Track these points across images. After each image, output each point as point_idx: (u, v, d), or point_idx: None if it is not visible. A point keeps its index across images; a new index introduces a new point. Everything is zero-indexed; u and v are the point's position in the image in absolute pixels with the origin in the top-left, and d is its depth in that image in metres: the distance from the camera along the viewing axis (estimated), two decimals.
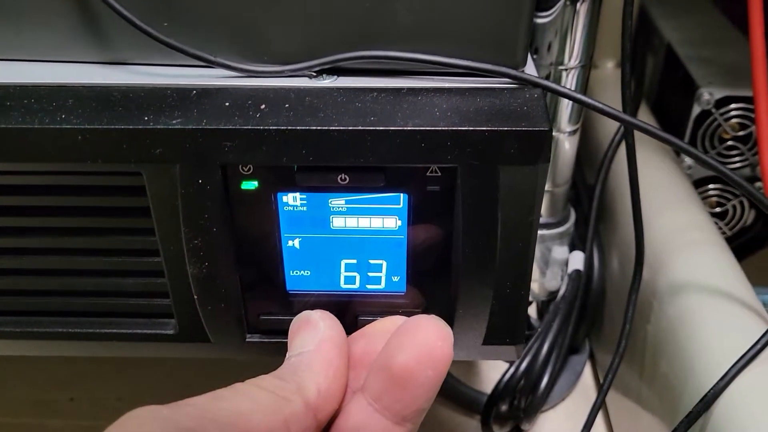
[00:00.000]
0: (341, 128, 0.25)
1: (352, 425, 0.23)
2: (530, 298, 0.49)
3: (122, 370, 0.49)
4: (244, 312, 0.30)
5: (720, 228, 0.50)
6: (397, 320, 0.25)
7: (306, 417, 0.22)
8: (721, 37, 0.54)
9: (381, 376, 0.23)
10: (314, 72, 0.28)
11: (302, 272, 0.29)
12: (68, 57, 0.29)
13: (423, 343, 0.23)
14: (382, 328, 0.26)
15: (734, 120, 0.47)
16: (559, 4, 0.39)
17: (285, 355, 0.25)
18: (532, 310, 0.51)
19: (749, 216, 0.50)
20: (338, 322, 0.25)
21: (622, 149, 0.42)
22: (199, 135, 0.25)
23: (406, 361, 0.23)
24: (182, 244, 0.27)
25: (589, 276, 0.47)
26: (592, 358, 0.50)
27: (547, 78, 0.42)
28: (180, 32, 0.27)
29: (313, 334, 0.24)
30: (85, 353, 0.31)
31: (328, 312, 0.25)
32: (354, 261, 0.29)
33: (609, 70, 0.59)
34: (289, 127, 0.25)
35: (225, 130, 0.25)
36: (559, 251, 0.47)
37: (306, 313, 0.25)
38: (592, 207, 0.47)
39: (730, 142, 0.48)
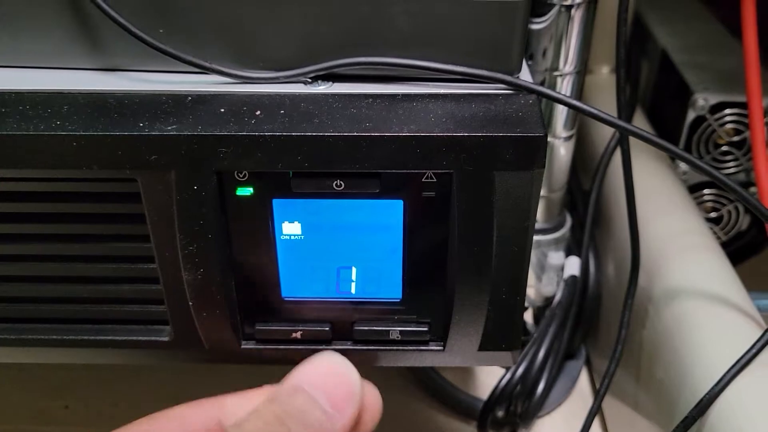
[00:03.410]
0: (336, 134, 0.25)
1: None
2: (526, 304, 0.49)
3: (117, 376, 0.49)
4: (240, 319, 0.30)
5: (715, 233, 0.50)
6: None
7: None
8: (716, 42, 0.54)
9: None
10: (309, 78, 0.28)
11: (298, 279, 0.29)
12: (64, 63, 0.29)
13: None
14: None
15: (729, 125, 0.47)
16: (554, 10, 0.39)
17: (279, 362, 0.25)
18: (528, 316, 0.51)
19: (744, 221, 0.50)
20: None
21: (618, 155, 0.42)
22: (194, 141, 0.25)
23: None
24: (177, 250, 0.27)
25: (585, 281, 0.47)
26: (588, 363, 0.50)
27: (542, 84, 0.42)
28: (175, 39, 0.27)
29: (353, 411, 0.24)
30: (79, 360, 0.31)
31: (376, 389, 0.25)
32: (349, 267, 0.29)
33: (604, 75, 0.60)
34: (285, 133, 0.25)
35: (220, 136, 0.25)
36: (555, 257, 0.47)
37: (351, 375, 0.24)
38: (587, 212, 0.47)
39: (724, 148, 0.48)
